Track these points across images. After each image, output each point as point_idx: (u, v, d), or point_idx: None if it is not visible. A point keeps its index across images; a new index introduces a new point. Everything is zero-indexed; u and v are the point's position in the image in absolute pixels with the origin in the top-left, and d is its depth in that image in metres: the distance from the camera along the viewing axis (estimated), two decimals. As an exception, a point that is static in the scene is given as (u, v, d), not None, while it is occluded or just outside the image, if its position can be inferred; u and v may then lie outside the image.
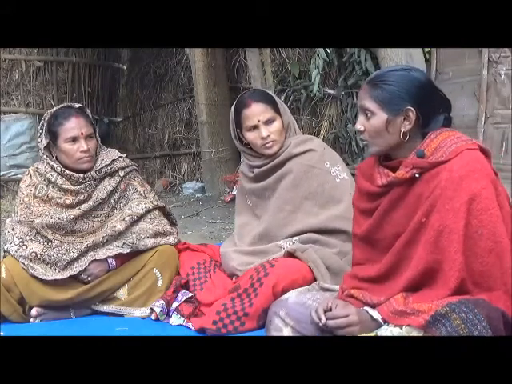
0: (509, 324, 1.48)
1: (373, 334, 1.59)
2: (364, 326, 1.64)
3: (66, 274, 2.35)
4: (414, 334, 1.52)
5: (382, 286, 1.71)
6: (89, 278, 2.39)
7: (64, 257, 2.37)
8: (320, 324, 1.66)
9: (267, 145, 2.36)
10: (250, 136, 2.38)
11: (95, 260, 2.38)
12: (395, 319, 1.59)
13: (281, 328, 1.77)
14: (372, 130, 1.67)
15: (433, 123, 1.66)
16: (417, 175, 1.62)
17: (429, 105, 1.64)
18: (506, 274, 1.52)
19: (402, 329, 1.55)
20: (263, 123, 2.34)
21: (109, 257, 2.39)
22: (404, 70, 1.68)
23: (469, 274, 1.54)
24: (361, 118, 1.70)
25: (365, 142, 1.73)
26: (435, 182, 1.59)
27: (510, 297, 1.51)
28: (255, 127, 2.35)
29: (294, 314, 1.76)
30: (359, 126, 1.69)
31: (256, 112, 2.34)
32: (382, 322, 1.63)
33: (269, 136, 2.34)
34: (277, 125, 2.37)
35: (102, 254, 2.39)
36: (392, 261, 1.69)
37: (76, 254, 2.38)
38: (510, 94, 3.95)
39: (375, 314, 1.65)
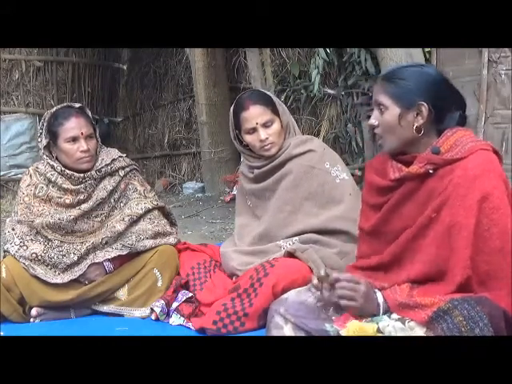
0: (510, 323, 1.48)
1: (375, 327, 1.59)
2: (368, 301, 1.63)
3: (66, 279, 2.36)
4: (417, 329, 1.53)
5: (385, 276, 1.72)
6: (86, 282, 2.40)
7: (64, 259, 2.37)
8: (329, 280, 1.65)
9: (266, 147, 2.36)
10: (248, 138, 2.38)
11: (93, 264, 2.39)
12: (398, 310, 1.59)
13: (281, 326, 1.77)
14: (385, 125, 1.68)
15: (447, 120, 1.67)
16: (431, 171, 1.63)
17: (442, 101, 1.66)
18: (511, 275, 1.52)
19: (404, 324, 1.56)
20: (261, 126, 2.34)
21: (106, 260, 2.39)
22: (418, 66, 1.71)
23: (474, 273, 1.54)
24: (375, 113, 1.71)
25: (379, 142, 1.73)
26: (448, 179, 1.60)
27: (513, 297, 1.52)
28: (254, 130, 2.35)
29: (294, 310, 1.77)
30: (373, 121, 1.71)
31: (254, 114, 2.34)
32: (382, 309, 1.63)
33: (267, 138, 2.34)
34: (275, 127, 2.36)
35: (100, 256, 2.39)
36: (396, 252, 1.70)
37: (76, 257, 2.38)
38: (510, 93, 3.95)
39: (380, 297, 1.64)
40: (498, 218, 1.54)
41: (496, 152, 1.65)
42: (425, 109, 1.63)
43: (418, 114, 1.65)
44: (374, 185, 1.79)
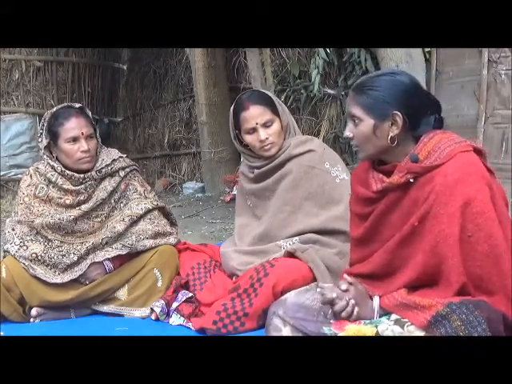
0: (509, 326, 1.47)
1: (374, 330, 1.59)
2: (361, 307, 1.66)
3: (66, 278, 2.36)
4: (416, 333, 1.52)
5: (377, 283, 1.72)
6: (87, 282, 2.40)
7: (64, 259, 2.37)
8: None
9: (265, 147, 2.36)
10: (248, 138, 2.38)
11: (93, 263, 2.39)
12: (397, 310, 1.59)
13: (280, 328, 1.77)
14: (360, 136, 1.67)
15: (422, 126, 1.65)
16: (411, 180, 1.62)
17: (416, 108, 1.63)
18: (505, 277, 1.51)
19: (403, 328, 1.56)
20: (261, 126, 2.33)
21: (106, 259, 2.39)
22: (388, 74, 1.67)
23: (468, 278, 1.53)
24: (349, 125, 1.70)
25: (356, 149, 1.73)
26: (430, 187, 1.58)
27: (509, 299, 1.51)
28: (253, 130, 2.35)
29: (293, 312, 1.77)
30: (348, 133, 1.70)
31: (254, 115, 2.34)
32: (376, 313, 1.64)
33: (267, 139, 2.34)
34: (275, 127, 2.36)
35: (100, 256, 2.39)
36: (386, 258, 1.69)
37: (76, 258, 2.38)
38: (510, 93, 3.95)
39: (375, 302, 1.65)
40: (484, 223, 1.52)
41: (478, 151, 1.62)
42: (399, 118, 1.61)
43: (392, 124, 1.63)
44: (359, 195, 1.78)
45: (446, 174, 1.56)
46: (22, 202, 2.44)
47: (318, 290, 1.71)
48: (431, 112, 1.67)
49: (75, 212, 2.41)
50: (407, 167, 1.62)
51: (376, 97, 1.63)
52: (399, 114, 1.61)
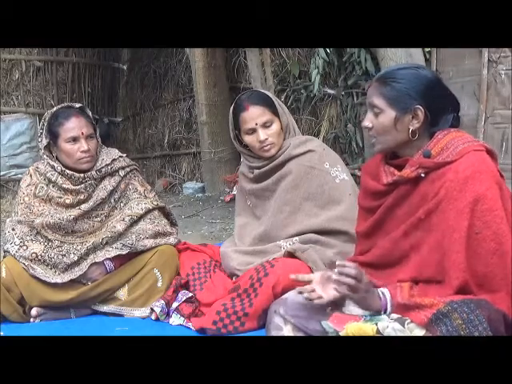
0: (510, 326, 1.48)
1: (374, 328, 1.59)
2: (369, 294, 1.62)
3: (66, 278, 2.36)
4: (416, 331, 1.52)
5: (378, 273, 1.72)
6: (89, 283, 2.39)
7: (64, 259, 2.37)
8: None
9: (265, 148, 2.35)
10: (248, 139, 2.38)
11: (94, 263, 2.38)
12: (399, 311, 1.59)
13: (281, 327, 1.77)
14: (380, 127, 1.67)
15: (441, 122, 1.66)
16: (422, 175, 1.62)
17: (438, 104, 1.65)
18: (510, 276, 1.52)
19: (403, 325, 1.55)
20: (261, 126, 2.33)
21: (107, 259, 2.39)
22: (414, 68, 1.68)
23: (472, 276, 1.54)
24: (369, 115, 1.70)
25: (372, 141, 1.72)
26: (440, 183, 1.59)
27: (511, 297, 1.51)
28: (253, 130, 2.35)
29: (294, 311, 1.77)
30: (367, 123, 1.70)
31: (253, 115, 2.33)
32: (390, 305, 1.61)
33: (267, 139, 2.33)
34: (275, 127, 2.36)
35: (101, 256, 2.39)
36: (387, 248, 1.70)
37: (76, 257, 2.38)
38: (510, 94, 3.95)
39: (387, 294, 1.63)
40: (492, 220, 1.53)
41: (490, 152, 1.64)
42: (421, 112, 1.62)
43: (413, 118, 1.64)
44: (369, 189, 1.79)
45: (458, 171, 1.57)
46: (22, 201, 2.44)
47: (338, 268, 1.63)
48: (451, 109, 1.68)
49: (75, 212, 2.42)
50: (419, 162, 1.63)
51: (399, 89, 1.63)
52: (421, 107, 1.62)
